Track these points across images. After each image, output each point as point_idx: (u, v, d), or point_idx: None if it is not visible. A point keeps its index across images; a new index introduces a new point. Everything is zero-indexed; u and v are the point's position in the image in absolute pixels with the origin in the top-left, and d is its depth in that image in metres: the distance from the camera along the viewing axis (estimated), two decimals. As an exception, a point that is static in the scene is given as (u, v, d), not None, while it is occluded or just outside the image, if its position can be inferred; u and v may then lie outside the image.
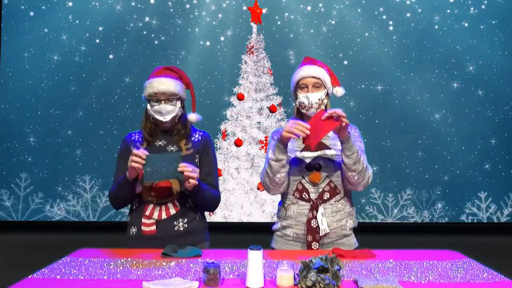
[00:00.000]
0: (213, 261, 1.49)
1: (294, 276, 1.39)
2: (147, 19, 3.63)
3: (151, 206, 1.96)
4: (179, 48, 3.62)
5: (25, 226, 3.55)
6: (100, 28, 3.62)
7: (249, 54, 3.58)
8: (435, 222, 3.53)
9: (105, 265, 1.64)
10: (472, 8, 3.59)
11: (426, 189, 3.54)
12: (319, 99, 1.96)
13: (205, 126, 3.32)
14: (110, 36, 3.61)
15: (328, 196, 1.93)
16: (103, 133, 3.58)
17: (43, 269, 1.58)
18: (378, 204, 3.54)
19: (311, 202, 1.92)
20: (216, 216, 3.46)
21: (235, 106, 3.57)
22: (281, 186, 1.95)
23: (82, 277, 1.50)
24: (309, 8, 3.62)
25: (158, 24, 3.62)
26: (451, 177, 3.55)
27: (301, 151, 1.93)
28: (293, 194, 1.97)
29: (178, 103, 2.00)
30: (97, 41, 3.62)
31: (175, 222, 1.96)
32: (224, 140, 3.55)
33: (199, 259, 1.72)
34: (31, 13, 3.61)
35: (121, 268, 1.60)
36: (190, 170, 1.80)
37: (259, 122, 3.56)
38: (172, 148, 2.01)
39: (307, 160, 1.95)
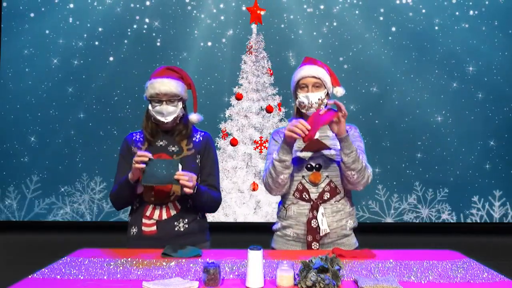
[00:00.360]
0: (213, 261, 1.49)
1: (294, 276, 1.39)
2: (147, 20, 3.63)
3: (151, 206, 1.95)
4: (180, 49, 3.62)
5: (25, 226, 3.55)
6: (100, 29, 3.62)
7: (249, 54, 3.59)
8: (435, 222, 3.53)
9: (105, 265, 1.64)
10: (472, 9, 3.59)
11: (426, 190, 3.54)
12: (319, 99, 1.96)
13: (206, 126, 3.34)
14: (110, 37, 3.62)
15: (328, 196, 1.93)
16: (103, 134, 3.58)
17: (43, 269, 1.58)
18: (378, 203, 3.53)
19: (311, 202, 1.92)
20: (212, 215, 3.46)
21: (233, 106, 3.58)
22: (284, 187, 1.95)
23: (82, 277, 1.50)
24: (309, 9, 3.62)
25: (158, 25, 3.63)
26: (451, 177, 3.55)
27: (301, 151, 1.93)
28: (294, 194, 1.97)
29: (180, 104, 1.99)
30: (97, 42, 3.62)
31: (175, 223, 1.96)
32: (224, 140, 3.55)
33: (199, 259, 1.72)
34: (32, 14, 3.61)
35: (121, 268, 1.60)
36: (186, 179, 1.80)
37: (261, 123, 3.56)
38: (173, 149, 2.01)
39: (308, 160, 1.95)
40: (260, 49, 3.59)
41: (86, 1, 3.62)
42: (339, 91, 2.05)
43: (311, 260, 1.40)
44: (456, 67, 3.60)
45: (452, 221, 3.53)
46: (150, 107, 1.98)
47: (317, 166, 1.94)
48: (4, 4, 3.61)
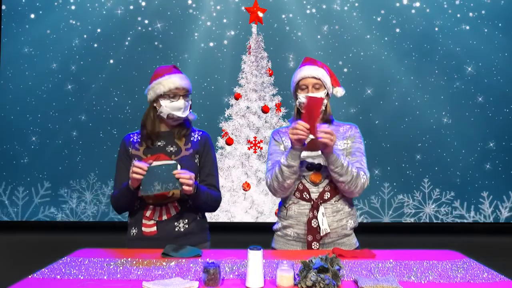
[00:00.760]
0: (213, 261, 1.49)
1: (294, 276, 1.39)
2: (146, 21, 3.63)
3: (151, 207, 1.95)
4: (180, 50, 3.62)
5: (25, 226, 3.55)
6: (101, 31, 3.62)
7: (248, 55, 3.59)
8: (435, 222, 3.53)
9: (105, 265, 1.64)
10: (472, 10, 3.59)
11: (425, 190, 3.54)
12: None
13: (206, 126, 3.35)
14: (110, 38, 3.61)
15: (328, 196, 1.93)
16: (103, 135, 3.58)
17: (43, 269, 1.58)
18: (379, 202, 3.53)
19: (312, 202, 1.92)
20: (210, 215, 3.46)
21: (233, 106, 3.58)
22: (289, 190, 1.96)
23: (82, 277, 1.50)
24: (309, 9, 3.62)
25: (158, 26, 3.63)
26: (451, 178, 3.54)
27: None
28: (294, 194, 1.97)
29: (190, 101, 2.02)
30: (97, 43, 3.62)
31: (175, 223, 1.96)
32: (223, 138, 3.56)
33: (199, 259, 1.72)
34: (32, 15, 3.61)
35: (121, 268, 1.60)
36: (187, 177, 1.80)
37: (260, 123, 3.56)
38: (171, 149, 2.01)
39: (308, 160, 1.95)
40: (260, 50, 3.59)
41: (86, 2, 3.62)
42: (339, 91, 2.05)
43: (311, 260, 1.40)
44: (456, 68, 3.59)
45: (452, 221, 3.52)
46: (163, 103, 1.96)
47: (317, 165, 1.94)
48: (4, 7, 3.60)
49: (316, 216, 1.89)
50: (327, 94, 2.02)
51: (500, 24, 3.59)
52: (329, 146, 1.80)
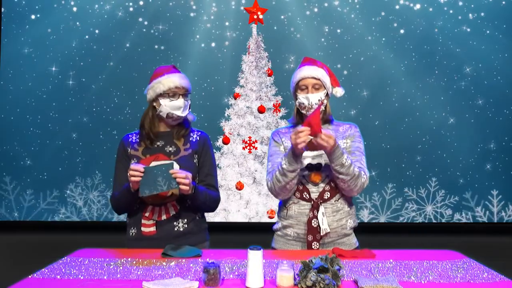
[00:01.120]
0: (213, 261, 1.49)
1: (294, 276, 1.39)
2: (146, 23, 3.63)
3: (150, 207, 1.95)
4: (180, 51, 3.62)
5: (25, 226, 3.55)
6: (101, 32, 3.62)
7: (248, 55, 3.59)
8: (435, 222, 3.53)
9: (105, 265, 1.64)
10: (472, 11, 3.59)
11: (426, 191, 3.54)
12: (319, 100, 1.96)
13: (206, 126, 3.36)
14: (111, 39, 3.62)
15: (328, 196, 1.94)
16: (103, 136, 3.58)
17: (43, 269, 1.58)
18: (379, 201, 3.54)
19: (312, 202, 1.93)
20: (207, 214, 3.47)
21: (232, 106, 3.58)
22: (290, 192, 1.96)
23: (82, 277, 1.49)
24: (309, 10, 3.62)
25: (158, 27, 3.63)
26: (451, 178, 3.54)
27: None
28: (294, 194, 1.97)
29: (189, 100, 2.03)
30: (97, 44, 3.62)
31: (174, 223, 1.96)
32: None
33: (199, 259, 1.72)
34: (32, 16, 3.61)
35: (121, 268, 1.60)
36: (183, 177, 1.80)
37: (259, 123, 3.57)
38: (170, 149, 2.01)
39: (308, 160, 1.95)
40: (259, 50, 3.59)
41: (86, 4, 3.62)
42: (339, 91, 2.05)
43: (311, 260, 1.40)
44: (456, 69, 3.60)
45: (452, 221, 3.52)
46: (162, 102, 1.96)
47: (317, 165, 1.94)
48: (4, 9, 3.61)
49: (316, 216, 1.89)
50: (327, 94, 2.02)
51: (500, 25, 3.59)
52: (327, 148, 1.79)
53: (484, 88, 3.58)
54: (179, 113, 1.97)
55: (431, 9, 3.61)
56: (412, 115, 3.58)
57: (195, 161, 2.03)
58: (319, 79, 1.97)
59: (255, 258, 1.40)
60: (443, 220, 3.53)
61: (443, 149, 3.57)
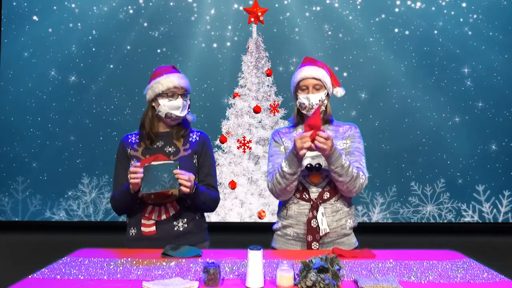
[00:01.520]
0: (213, 261, 1.49)
1: (294, 276, 1.39)
2: (145, 24, 3.64)
3: (150, 207, 1.95)
4: (180, 52, 3.62)
5: (25, 226, 3.55)
6: (101, 33, 3.62)
7: (248, 55, 3.60)
8: (434, 222, 3.53)
9: (105, 265, 1.64)
10: (472, 12, 3.59)
11: (426, 191, 3.54)
12: (319, 100, 1.97)
13: (206, 127, 3.36)
14: (111, 40, 3.62)
15: (328, 196, 1.94)
16: (103, 137, 3.58)
17: (43, 269, 1.58)
18: (377, 205, 3.54)
19: (311, 202, 1.93)
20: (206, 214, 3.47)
21: (232, 106, 3.59)
22: (291, 193, 1.96)
23: (82, 277, 1.50)
24: (309, 11, 3.63)
25: (158, 28, 3.63)
26: (452, 179, 3.54)
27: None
28: (294, 194, 1.97)
29: (189, 100, 2.03)
30: (97, 45, 3.62)
31: (174, 223, 1.96)
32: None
33: (199, 259, 1.72)
34: (33, 17, 3.62)
35: (121, 268, 1.60)
36: (186, 179, 1.80)
37: (259, 123, 3.57)
38: (170, 149, 2.01)
39: (308, 160, 1.95)
40: (259, 50, 3.60)
41: (86, 5, 3.62)
42: (339, 91, 2.05)
43: (311, 260, 1.40)
44: (456, 69, 3.60)
45: (452, 221, 3.52)
46: (161, 102, 1.96)
47: (317, 166, 1.94)
48: (4, 11, 3.61)
49: (316, 216, 1.90)
50: (327, 94, 2.02)
51: (500, 26, 3.59)
52: (325, 151, 1.80)
53: (484, 89, 3.58)
54: (178, 113, 1.97)
55: (431, 10, 3.60)
56: (412, 116, 3.58)
57: (194, 161, 2.03)
58: (319, 80, 1.97)
59: (255, 258, 1.40)
60: (443, 220, 3.52)
61: (443, 150, 3.57)
